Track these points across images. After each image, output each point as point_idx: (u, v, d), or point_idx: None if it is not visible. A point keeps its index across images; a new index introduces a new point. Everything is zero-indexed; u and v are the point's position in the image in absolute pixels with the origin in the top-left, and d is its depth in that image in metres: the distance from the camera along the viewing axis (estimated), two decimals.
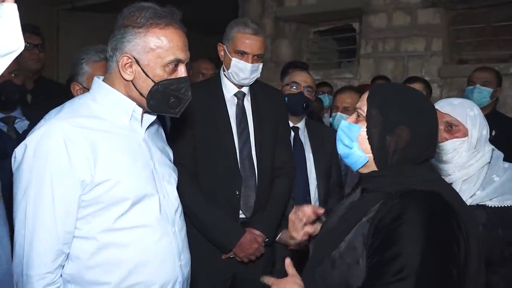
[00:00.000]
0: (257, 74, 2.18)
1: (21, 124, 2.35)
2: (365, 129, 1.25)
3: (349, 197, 1.43)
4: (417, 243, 1.07)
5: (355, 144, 1.26)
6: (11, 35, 0.80)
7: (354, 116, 1.31)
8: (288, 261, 1.37)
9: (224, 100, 2.19)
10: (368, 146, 1.25)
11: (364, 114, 1.26)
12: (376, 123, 1.23)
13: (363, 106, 1.27)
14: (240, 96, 2.21)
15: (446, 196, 1.18)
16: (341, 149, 1.32)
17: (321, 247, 1.30)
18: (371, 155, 1.25)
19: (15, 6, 0.80)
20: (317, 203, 2.49)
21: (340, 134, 1.33)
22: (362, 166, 1.28)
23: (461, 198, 1.28)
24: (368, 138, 1.24)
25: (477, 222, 1.27)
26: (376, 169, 1.26)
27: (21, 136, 2.31)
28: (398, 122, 1.21)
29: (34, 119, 2.28)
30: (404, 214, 1.11)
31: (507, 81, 4.11)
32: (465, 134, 1.71)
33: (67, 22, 6.52)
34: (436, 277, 1.07)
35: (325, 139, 2.59)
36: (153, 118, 1.50)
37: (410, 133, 1.21)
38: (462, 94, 3.39)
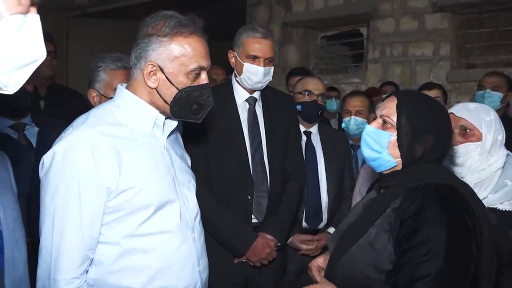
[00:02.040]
0: (269, 78, 2.20)
1: (30, 131, 2.36)
2: (395, 137, 1.33)
3: (364, 198, 1.51)
4: (441, 228, 1.19)
5: (384, 150, 1.35)
6: (34, 44, 0.81)
7: (379, 122, 1.38)
8: (315, 268, 1.48)
9: (236, 105, 2.22)
10: (397, 152, 1.34)
11: (393, 122, 1.34)
12: (406, 131, 1.32)
13: (391, 114, 1.35)
14: (251, 101, 2.24)
15: (460, 189, 1.31)
16: (367, 152, 1.39)
17: (345, 239, 1.38)
18: (400, 159, 1.34)
19: (37, 16, 0.82)
20: (327, 207, 2.51)
21: (366, 138, 1.39)
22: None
23: (472, 190, 1.40)
24: (398, 145, 1.33)
25: (486, 211, 1.37)
26: (398, 169, 1.36)
27: (31, 144, 2.34)
28: (426, 132, 1.32)
29: (44, 126, 2.33)
30: (427, 204, 1.23)
31: None
32: (479, 138, 1.73)
33: (77, 28, 6.58)
34: (460, 255, 1.20)
35: (337, 144, 2.61)
36: (174, 125, 1.52)
37: (434, 141, 1.33)
38: (472, 99, 3.38)
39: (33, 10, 0.82)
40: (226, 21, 4.91)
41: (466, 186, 1.39)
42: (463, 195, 1.29)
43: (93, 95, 2.05)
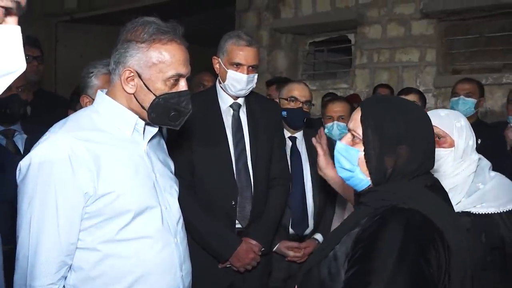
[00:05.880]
0: (252, 85, 2.21)
1: (19, 138, 2.40)
2: (363, 152, 1.20)
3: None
4: (388, 261, 1.05)
5: (357, 168, 1.21)
6: (11, 56, 0.80)
7: (349, 137, 1.25)
8: None
9: (220, 111, 2.23)
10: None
11: (360, 137, 1.21)
12: (373, 145, 1.18)
13: (357, 128, 1.22)
14: (235, 107, 2.25)
15: (430, 213, 1.14)
16: (341, 172, 1.26)
17: (314, 256, 1.31)
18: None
19: (18, 28, 0.80)
20: (313, 213, 2.52)
21: (338, 157, 1.26)
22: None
23: (453, 214, 1.25)
24: (366, 162, 1.20)
25: (465, 240, 1.20)
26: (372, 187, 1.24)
27: (19, 150, 2.35)
28: (397, 142, 1.17)
29: (32, 133, 2.34)
30: (381, 231, 1.10)
31: (500, 91, 4.17)
32: (451, 144, 1.76)
33: (66, 34, 6.57)
34: None
35: None
36: (155, 130, 1.52)
37: (410, 151, 1.18)
38: (449, 105, 3.45)
39: (13, 21, 0.80)
40: (215, 27, 4.93)
41: (441, 208, 1.20)
42: (431, 222, 1.12)
43: (86, 101, 2.05)
